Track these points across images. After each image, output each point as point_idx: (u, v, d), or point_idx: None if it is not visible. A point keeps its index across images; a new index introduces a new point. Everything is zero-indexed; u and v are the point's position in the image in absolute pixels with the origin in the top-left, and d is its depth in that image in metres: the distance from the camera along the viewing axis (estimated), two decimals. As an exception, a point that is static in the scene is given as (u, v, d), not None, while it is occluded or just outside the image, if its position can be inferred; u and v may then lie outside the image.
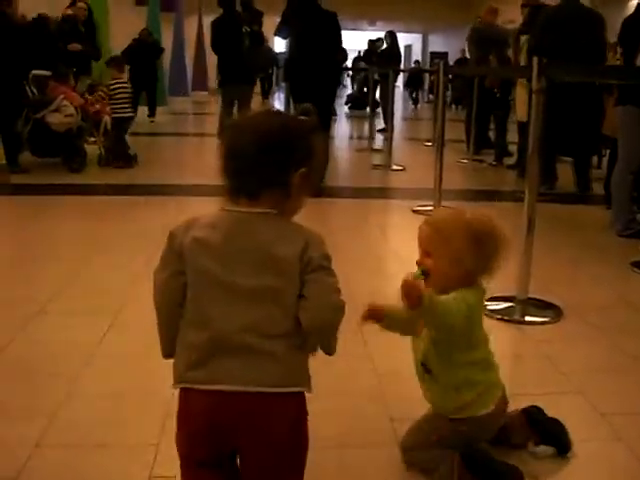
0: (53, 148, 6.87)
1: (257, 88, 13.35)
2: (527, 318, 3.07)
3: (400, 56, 13.22)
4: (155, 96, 12.81)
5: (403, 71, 19.97)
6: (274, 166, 1.35)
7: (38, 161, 7.01)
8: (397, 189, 6.69)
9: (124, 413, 2.16)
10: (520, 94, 6.95)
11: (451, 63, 15.71)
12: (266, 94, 18.00)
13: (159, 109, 13.06)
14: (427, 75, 21.54)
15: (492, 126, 8.68)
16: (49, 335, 2.79)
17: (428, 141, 10.19)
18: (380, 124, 11.59)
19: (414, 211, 5.17)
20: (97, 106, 7.25)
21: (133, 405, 2.21)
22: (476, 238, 1.76)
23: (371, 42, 15.92)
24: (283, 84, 9.96)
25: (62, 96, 6.75)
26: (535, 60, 3.10)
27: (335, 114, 12.72)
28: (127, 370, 2.47)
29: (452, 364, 1.80)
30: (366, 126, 11.02)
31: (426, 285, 1.69)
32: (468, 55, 10.90)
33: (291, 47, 6.63)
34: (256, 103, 12.25)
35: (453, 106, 18.47)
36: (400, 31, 16.65)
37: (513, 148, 7.99)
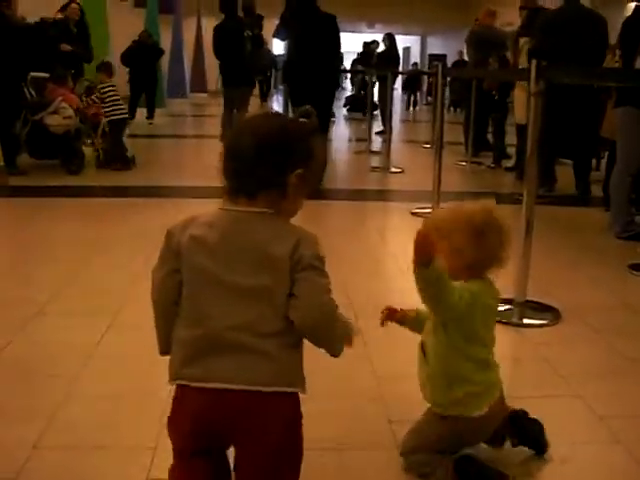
0: (51, 150, 6.86)
1: (255, 90, 13.38)
2: (525, 321, 3.07)
3: (398, 58, 13.24)
4: (154, 98, 12.79)
5: (401, 73, 20.00)
6: (271, 167, 1.37)
7: (36, 163, 7.00)
8: (395, 191, 6.69)
9: (122, 415, 2.16)
10: (519, 96, 6.95)
11: (449, 65, 15.73)
12: (264, 96, 18.01)
13: (157, 111, 13.04)
14: (425, 77, 21.56)
15: (491, 129, 8.69)
16: (47, 336, 2.78)
17: (426, 143, 10.20)
18: (378, 126, 11.60)
19: (412, 213, 5.17)
20: (93, 108, 7.25)
21: (131, 407, 2.21)
22: (476, 230, 1.75)
23: (366, 44, 15.92)
24: (281, 86, 9.98)
25: (60, 98, 6.75)
26: (533, 63, 3.10)
27: (333, 116, 12.73)
28: (126, 371, 2.47)
29: (447, 351, 1.78)
30: (364, 128, 11.04)
31: None
32: (466, 57, 10.92)
33: (290, 49, 6.63)
34: (254, 106, 12.27)
35: (451, 109, 18.47)
36: (398, 33, 16.69)
37: (512, 150, 8.00)
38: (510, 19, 11.79)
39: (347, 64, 18.38)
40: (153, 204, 5.42)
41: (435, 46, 30.04)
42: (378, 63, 12.28)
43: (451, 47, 23.42)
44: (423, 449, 1.84)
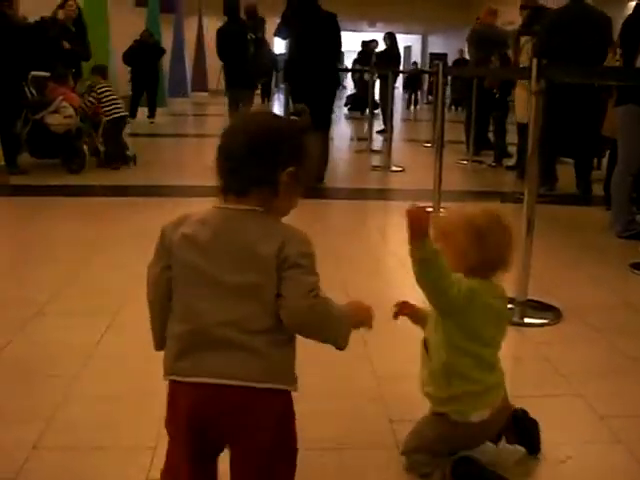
0: (52, 149, 6.87)
1: (257, 90, 13.38)
2: (526, 320, 3.06)
3: (399, 57, 13.24)
4: (155, 97, 12.80)
5: (402, 72, 19.97)
6: (262, 164, 1.38)
7: (37, 162, 7.00)
8: (396, 190, 6.69)
9: (122, 415, 2.15)
10: (520, 95, 6.95)
11: (450, 64, 15.72)
12: (267, 95, 17.99)
13: (159, 110, 13.05)
14: (427, 76, 21.54)
15: (491, 127, 8.69)
16: (47, 336, 2.78)
17: (427, 142, 10.20)
18: (379, 125, 11.59)
19: (413, 212, 5.15)
20: (93, 108, 7.24)
21: (131, 407, 2.20)
22: (478, 232, 1.75)
23: (365, 43, 15.88)
24: (282, 85, 10.02)
25: (61, 97, 6.75)
26: (534, 61, 3.10)
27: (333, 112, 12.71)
28: (125, 371, 2.46)
29: (447, 346, 1.78)
30: (365, 127, 11.04)
31: None
32: (467, 56, 10.89)
33: (291, 48, 6.64)
34: (256, 105, 12.26)
35: (452, 107, 18.46)
36: (400, 32, 16.66)
37: (513, 149, 7.99)
38: (511, 18, 11.76)
39: (348, 63, 18.38)
40: (154, 203, 5.42)
41: (436, 45, 30.02)
42: (379, 62, 12.27)
43: (452, 46, 23.41)
44: (424, 449, 1.84)
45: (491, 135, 8.78)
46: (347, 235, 4.67)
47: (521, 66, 6.75)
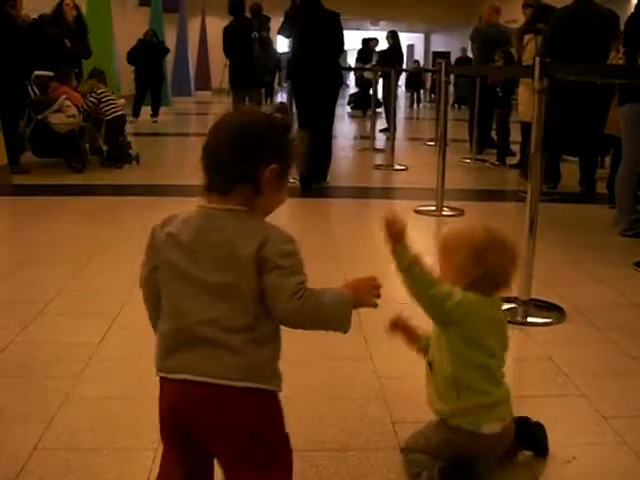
0: (55, 148, 6.88)
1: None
2: (530, 319, 3.05)
3: (402, 56, 13.21)
4: (159, 96, 12.81)
5: (405, 71, 19.97)
6: (243, 162, 1.38)
7: (40, 161, 7.01)
8: (399, 189, 6.67)
9: (123, 416, 2.14)
10: (523, 93, 6.93)
11: (453, 62, 15.69)
12: (270, 94, 18.00)
13: (162, 109, 13.06)
14: (429, 75, 21.52)
15: (494, 126, 8.67)
16: (49, 337, 2.78)
17: (430, 141, 10.18)
18: (382, 124, 11.58)
19: (416, 211, 5.15)
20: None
21: (132, 408, 2.19)
22: (476, 252, 1.77)
23: (365, 41, 15.85)
24: (285, 83, 10.02)
25: (64, 96, 6.75)
26: (537, 60, 3.08)
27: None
28: (126, 372, 2.45)
29: (451, 358, 1.77)
30: (368, 126, 11.02)
31: None
32: (470, 54, 10.87)
33: (294, 47, 6.64)
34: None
35: (456, 106, 18.43)
36: (402, 31, 16.64)
37: (516, 148, 7.98)
38: (514, 16, 11.74)
39: (351, 62, 18.35)
40: (157, 202, 5.41)
41: (439, 43, 29.99)
42: (382, 60, 12.25)
43: (455, 45, 23.34)
44: (422, 451, 1.83)
45: (494, 133, 8.76)
46: (350, 233, 4.65)
47: (524, 64, 6.73)
